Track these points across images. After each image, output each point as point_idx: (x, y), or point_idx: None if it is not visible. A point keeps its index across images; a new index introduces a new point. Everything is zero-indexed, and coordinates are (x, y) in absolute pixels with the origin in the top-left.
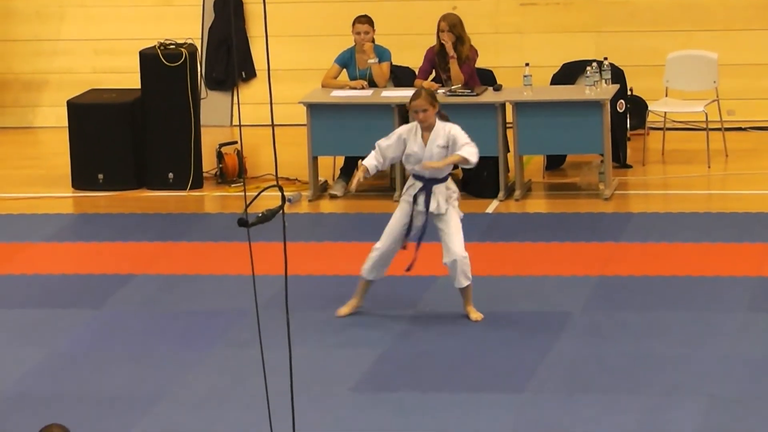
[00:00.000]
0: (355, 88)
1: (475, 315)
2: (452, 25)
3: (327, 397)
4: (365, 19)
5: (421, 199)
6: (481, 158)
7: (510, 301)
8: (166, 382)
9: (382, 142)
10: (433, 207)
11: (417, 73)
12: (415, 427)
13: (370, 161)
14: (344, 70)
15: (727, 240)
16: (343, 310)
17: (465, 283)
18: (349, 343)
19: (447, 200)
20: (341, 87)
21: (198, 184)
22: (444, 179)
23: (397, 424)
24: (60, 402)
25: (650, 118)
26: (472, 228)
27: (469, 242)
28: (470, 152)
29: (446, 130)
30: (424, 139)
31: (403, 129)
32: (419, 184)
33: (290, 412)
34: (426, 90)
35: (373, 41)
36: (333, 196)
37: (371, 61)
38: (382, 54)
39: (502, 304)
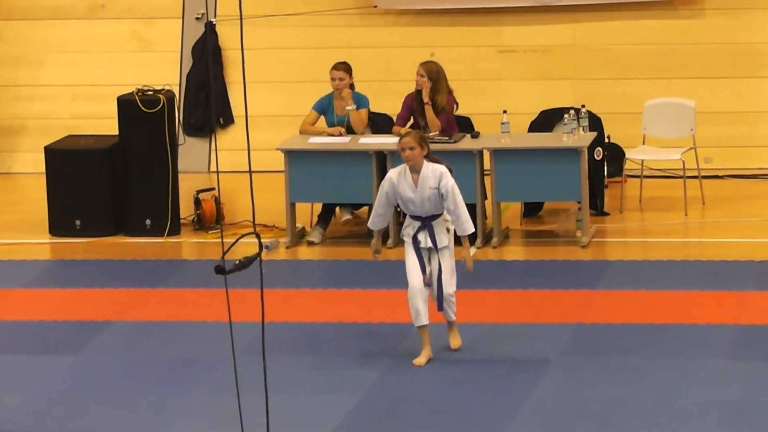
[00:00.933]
0: (333, 135)
1: (455, 342)
2: (429, 72)
3: None
4: (342, 66)
5: (423, 236)
6: None
7: (488, 348)
8: (144, 428)
9: (378, 197)
10: (439, 243)
11: (395, 119)
12: None
13: (377, 223)
14: (322, 116)
15: (705, 288)
16: (419, 360)
17: (453, 317)
18: (326, 389)
19: (447, 232)
20: (319, 133)
21: (175, 231)
22: (440, 214)
23: None
24: None
25: (628, 165)
26: None
27: None
28: (465, 226)
29: (435, 172)
30: (414, 181)
31: (392, 172)
32: (417, 223)
33: None
34: (416, 131)
35: (352, 87)
36: (310, 243)
37: (349, 107)
38: (360, 101)
39: (480, 350)
